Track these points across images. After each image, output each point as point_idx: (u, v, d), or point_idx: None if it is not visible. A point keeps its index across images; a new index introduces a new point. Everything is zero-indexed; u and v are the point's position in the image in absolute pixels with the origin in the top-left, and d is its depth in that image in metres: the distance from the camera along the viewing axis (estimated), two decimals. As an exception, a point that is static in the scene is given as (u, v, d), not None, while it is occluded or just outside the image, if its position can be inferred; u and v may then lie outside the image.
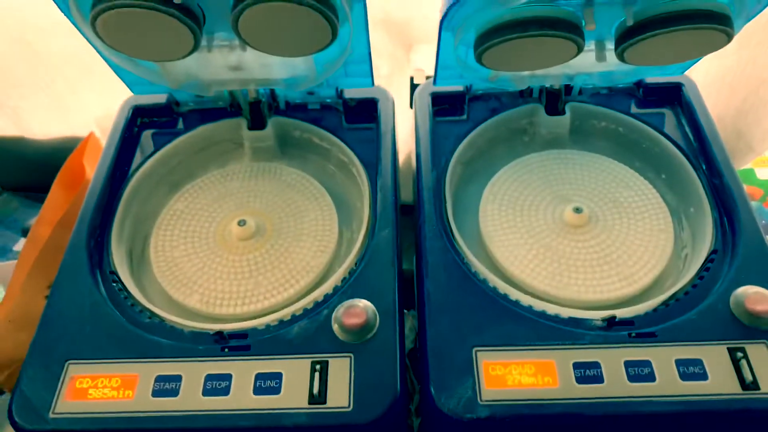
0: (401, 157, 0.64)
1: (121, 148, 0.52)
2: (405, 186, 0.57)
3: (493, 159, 0.53)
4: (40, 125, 0.72)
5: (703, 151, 0.49)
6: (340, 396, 0.37)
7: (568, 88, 0.53)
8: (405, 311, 0.46)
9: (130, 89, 0.51)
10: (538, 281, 0.44)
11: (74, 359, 0.39)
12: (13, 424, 0.37)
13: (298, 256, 0.46)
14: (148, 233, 0.49)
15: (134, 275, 0.47)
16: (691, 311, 0.40)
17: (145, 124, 0.54)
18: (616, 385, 0.37)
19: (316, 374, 0.38)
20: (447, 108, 0.53)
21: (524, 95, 0.54)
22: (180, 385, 0.38)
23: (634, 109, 0.53)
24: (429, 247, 0.44)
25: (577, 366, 0.38)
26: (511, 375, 0.38)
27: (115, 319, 0.41)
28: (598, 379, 0.37)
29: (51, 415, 0.37)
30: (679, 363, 0.38)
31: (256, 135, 0.53)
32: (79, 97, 0.69)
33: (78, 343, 0.40)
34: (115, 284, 0.44)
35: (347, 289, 0.42)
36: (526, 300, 0.42)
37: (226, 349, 0.39)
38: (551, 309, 0.41)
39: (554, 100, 0.52)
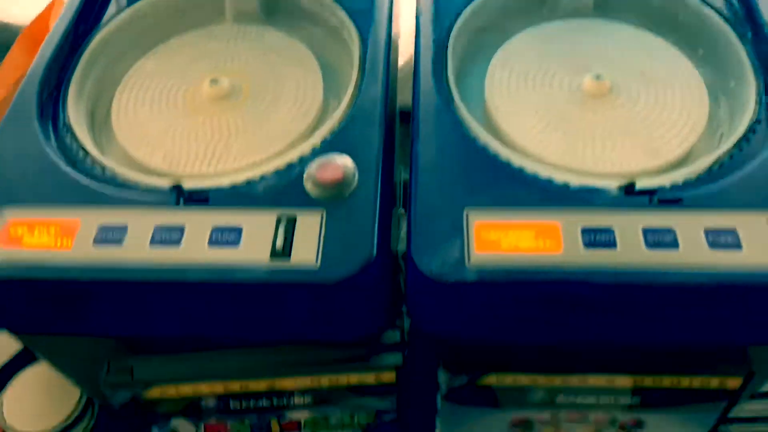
0: (402, 60, 0.58)
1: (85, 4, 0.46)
2: (405, 90, 0.51)
3: (508, 30, 0.46)
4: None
5: (749, 15, 0.42)
6: (306, 252, 0.32)
7: (594, -49, 0.46)
8: (402, 211, 0.41)
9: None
10: (548, 152, 0.38)
11: (11, 204, 0.35)
12: None
13: (275, 120, 0.41)
14: (114, 96, 0.44)
15: (95, 138, 0.42)
16: (725, 178, 0.34)
17: (118, -19, 0.49)
18: (631, 252, 0.31)
19: (281, 227, 0.33)
20: (455, -29, 0.47)
21: (544, -42, 0.47)
22: (125, 235, 0.33)
23: (670, -23, 0.46)
24: (422, 104, 0.38)
25: (586, 231, 0.32)
26: (506, 238, 0.32)
27: (61, 170, 0.36)
28: (610, 244, 0.32)
29: (-19, 260, 0.33)
30: (709, 232, 0.32)
31: (240, -5, 0.47)
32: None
33: (17, 187, 0.35)
34: (67, 139, 0.39)
35: (326, 149, 0.37)
36: (531, 167, 0.36)
37: (182, 200, 0.34)
38: (560, 177, 0.35)
39: (578, -38, 0.46)
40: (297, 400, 0.37)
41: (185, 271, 0.32)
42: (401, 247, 0.48)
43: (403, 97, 0.46)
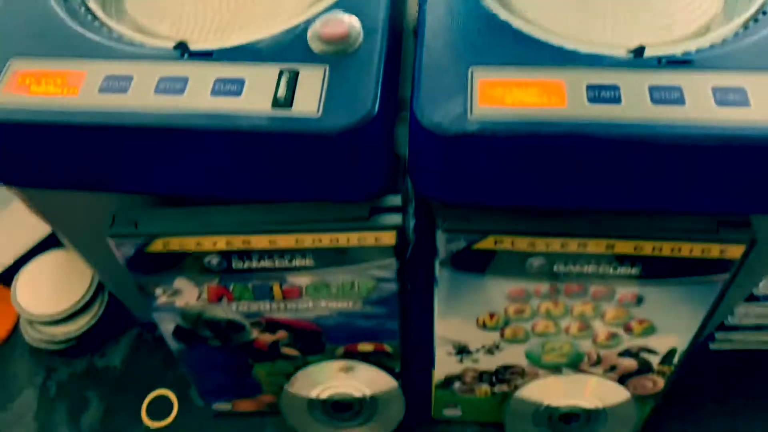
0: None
1: None
2: None
3: None
4: None
5: None
6: (308, 103, 0.32)
7: None
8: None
9: None
10: (561, 26, 0.37)
11: (19, 55, 0.35)
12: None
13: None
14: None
15: (106, 10, 0.42)
16: (737, 43, 0.33)
17: None
18: (635, 107, 0.31)
19: (283, 78, 0.33)
20: None
21: None
22: (130, 84, 0.33)
23: None
24: (430, -30, 0.37)
25: (591, 87, 0.32)
26: (510, 93, 0.32)
27: (69, 27, 0.36)
28: (615, 100, 0.31)
29: (-12, 104, 0.33)
30: (717, 90, 0.31)
31: None
32: None
33: (26, 41, 0.35)
34: (76, 4, 0.39)
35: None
36: (540, 35, 0.35)
37: (186, 54, 0.34)
38: (570, 44, 0.35)
39: None
40: (298, 261, 0.37)
41: (188, 116, 0.32)
42: (404, 151, 0.48)
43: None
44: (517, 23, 0.36)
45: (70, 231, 0.44)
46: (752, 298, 0.49)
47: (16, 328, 0.60)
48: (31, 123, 0.33)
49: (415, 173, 0.35)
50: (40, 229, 0.63)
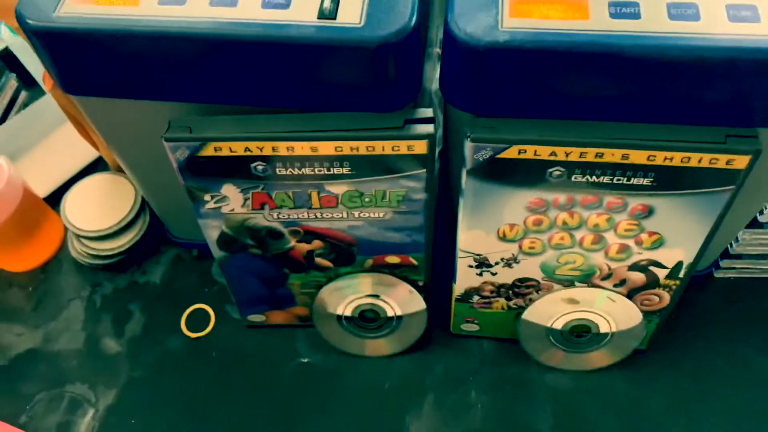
0: None
1: None
2: None
3: None
4: None
5: None
6: (352, 14, 0.35)
7: None
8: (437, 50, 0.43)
9: None
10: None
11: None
12: (19, 19, 0.36)
13: None
14: None
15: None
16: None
17: None
18: (654, 21, 0.33)
19: (328, -8, 0.35)
20: None
21: None
22: (187, -3, 0.36)
23: None
24: None
25: (612, 4, 0.34)
26: (538, 9, 0.35)
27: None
28: (635, 15, 0.34)
29: (55, 14, 0.36)
30: (730, 7, 0.34)
31: None
32: None
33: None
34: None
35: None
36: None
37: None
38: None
39: None
40: (336, 169, 0.40)
41: (240, 26, 0.35)
42: (434, 86, 0.51)
43: None
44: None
45: (124, 143, 0.47)
46: (756, 225, 0.52)
47: (63, 247, 0.64)
48: (96, 32, 0.36)
49: (446, 85, 0.38)
50: (86, 154, 0.67)
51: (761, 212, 0.51)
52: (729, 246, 0.56)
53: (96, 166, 0.69)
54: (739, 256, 0.57)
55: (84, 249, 0.60)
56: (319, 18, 0.35)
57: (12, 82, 0.74)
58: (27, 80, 0.73)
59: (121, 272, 0.63)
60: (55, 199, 0.64)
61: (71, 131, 0.61)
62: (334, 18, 0.35)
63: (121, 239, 0.59)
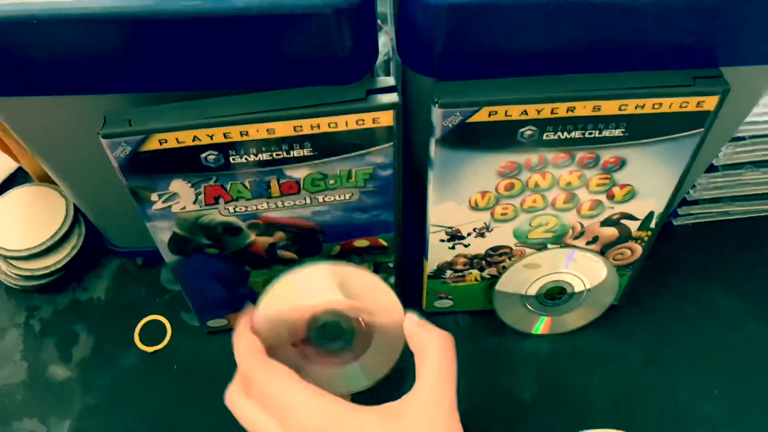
0: None
1: None
2: None
3: None
4: None
5: None
6: (300, -21, 0.32)
7: None
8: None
9: None
10: None
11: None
12: None
13: None
14: None
15: None
16: None
17: None
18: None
19: (272, -44, 0.32)
20: None
21: None
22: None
23: None
24: None
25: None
26: (498, -41, 0.33)
27: None
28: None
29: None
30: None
31: None
32: None
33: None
34: None
35: None
36: None
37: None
38: None
39: None
40: (296, 152, 0.37)
41: (178, 1, 0.31)
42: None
43: None
44: None
45: (51, 148, 0.42)
46: (712, 169, 0.53)
47: (-11, 271, 0.58)
48: (5, 20, 0.31)
49: (406, 50, 0.36)
50: (2, 167, 0.61)
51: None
52: (686, 194, 0.57)
53: (14, 179, 0.63)
54: (696, 202, 0.58)
55: (14, 271, 0.54)
56: (265, -17, 0.32)
57: None
58: None
59: (59, 292, 0.57)
60: (-27, 220, 0.58)
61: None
62: (282, -17, 0.32)
63: (55, 255, 0.54)
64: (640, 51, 0.35)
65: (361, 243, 0.46)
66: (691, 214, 0.59)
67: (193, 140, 0.35)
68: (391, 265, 0.49)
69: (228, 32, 0.32)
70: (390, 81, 0.36)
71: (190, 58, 0.34)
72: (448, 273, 0.50)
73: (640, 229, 0.46)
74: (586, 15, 0.33)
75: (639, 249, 0.48)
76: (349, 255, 0.47)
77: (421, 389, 0.38)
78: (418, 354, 0.39)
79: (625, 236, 0.47)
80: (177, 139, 0.35)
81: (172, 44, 0.33)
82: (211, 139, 0.36)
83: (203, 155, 0.36)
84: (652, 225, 0.46)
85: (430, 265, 0.49)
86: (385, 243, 0.46)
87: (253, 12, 0.31)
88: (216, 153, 0.36)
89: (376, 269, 0.50)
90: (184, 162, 0.37)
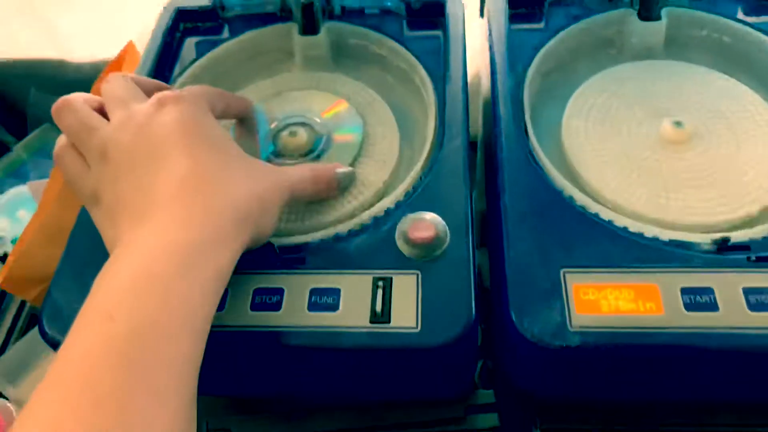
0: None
1: (161, 54, 0.47)
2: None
3: (575, 72, 0.46)
4: (81, 45, 0.68)
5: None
6: (406, 316, 0.32)
7: (665, -9, 0.46)
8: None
9: (174, -12, 0.47)
10: (632, 202, 0.38)
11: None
12: (44, 336, 0.33)
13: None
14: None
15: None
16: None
17: (188, 29, 0.50)
18: (734, 315, 0.31)
19: (379, 291, 0.33)
20: (523, 13, 0.47)
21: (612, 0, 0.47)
22: (227, 300, 0.33)
23: (742, 16, 0.46)
24: (507, 159, 0.38)
25: (685, 292, 0.32)
26: (606, 300, 0.32)
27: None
28: (712, 306, 0.32)
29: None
30: (813, 292, 0.32)
31: (308, 41, 0.47)
32: (123, 15, 0.65)
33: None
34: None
35: (412, 203, 0.37)
36: (620, 220, 0.36)
37: (278, 263, 0.35)
38: (649, 231, 0.35)
39: (649, 3, 0.46)
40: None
41: (287, 335, 0.32)
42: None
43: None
44: (594, 206, 0.36)
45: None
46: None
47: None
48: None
49: (513, 374, 0.35)
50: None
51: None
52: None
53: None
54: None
55: None
56: (371, 322, 0.32)
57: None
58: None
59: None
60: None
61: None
62: (388, 321, 0.32)
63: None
64: (752, 389, 0.33)
65: None
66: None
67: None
68: None
69: (332, 359, 0.33)
70: (489, 397, 0.36)
71: (294, 375, 0.34)
72: None
73: None
74: (698, 361, 0.32)
75: None
76: None
77: None
78: None
79: None
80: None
81: (277, 364, 0.34)
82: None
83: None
84: None
85: None
86: None
87: (359, 346, 0.32)
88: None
89: None
90: (277, 462, 0.37)
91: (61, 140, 0.35)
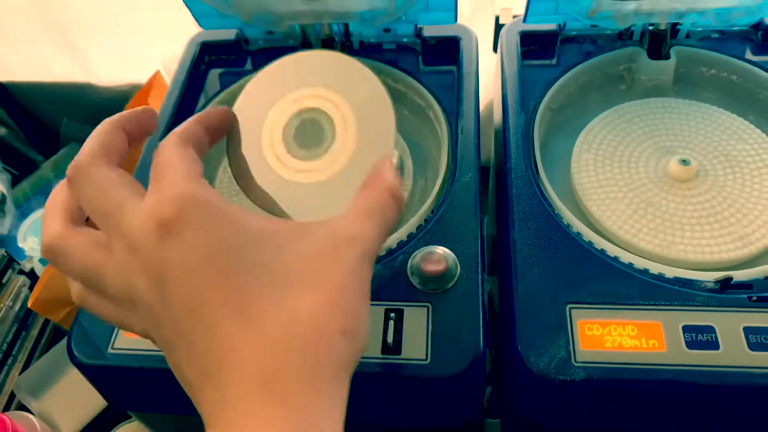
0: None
1: (187, 86, 0.49)
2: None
3: (585, 108, 0.48)
4: (108, 71, 0.71)
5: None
6: (416, 347, 0.34)
7: (674, 31, 0.47)
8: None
9: (199, 23, 0.49)
10: (639, 239, 0.39)
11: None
12: (72, 359, 0.35)
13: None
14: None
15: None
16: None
17: (213, 62, 0.52)
18: (734, 353, 0.32)
19: (391, 322, 0.34)
20: (536, 50, 0.49)
21: (623, 37, 0.48)
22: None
23: (750, 56, 0.47)
24: (516, 195, 0.39)
25: (687, 329, 0.33)
26: (610, 336, 0.33)
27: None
28: (713, 345, 0.33)
29: (110, 351, 0.35)
30: (812, 332, 0.33)
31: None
32: (148, 42, 0.68)
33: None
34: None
35: (423, 236, 0.38)
36: (625, 257, 0.37)
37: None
38: (655, 268, 0.36)
39: (658, 42, 0.47)
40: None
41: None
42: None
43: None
44: (601, 243, 0.38)
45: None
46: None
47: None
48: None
49: (518, 404, 0.37)
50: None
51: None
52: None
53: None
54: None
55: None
56: (383, 353, 0.34)
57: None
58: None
59: None
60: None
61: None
62: (399, 353, 0.34)
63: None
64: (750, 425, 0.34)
65: None
66: None
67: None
68: None
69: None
70: (497, 427, 0.37)
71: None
72: None
73: None
74: (698, 398, 0.33)
75: None
76: None
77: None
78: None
79: None
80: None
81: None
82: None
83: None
84: None
85: None
86: None
87: (367, 375, 0.33)
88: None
89: None
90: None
91: (75, 289, 0.27)
